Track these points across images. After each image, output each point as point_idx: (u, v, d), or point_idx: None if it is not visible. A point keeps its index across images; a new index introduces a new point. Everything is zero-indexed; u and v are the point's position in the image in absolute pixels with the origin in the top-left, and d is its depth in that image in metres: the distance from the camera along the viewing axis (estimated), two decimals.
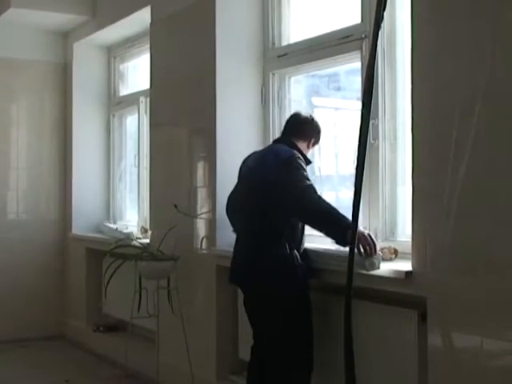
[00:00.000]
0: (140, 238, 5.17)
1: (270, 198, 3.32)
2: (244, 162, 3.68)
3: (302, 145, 3.53)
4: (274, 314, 3.32)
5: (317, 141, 3.63)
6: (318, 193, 3.26)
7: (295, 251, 3.33)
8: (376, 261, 3.10)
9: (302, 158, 3.39)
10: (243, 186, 3.58)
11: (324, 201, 3.22)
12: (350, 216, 3.07)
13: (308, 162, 3.50)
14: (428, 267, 2.88)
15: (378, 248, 3.14)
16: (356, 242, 3.06)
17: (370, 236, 3.14)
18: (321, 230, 3.29)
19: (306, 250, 3.46)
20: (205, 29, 4.34)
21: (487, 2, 2.65)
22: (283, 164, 3.32)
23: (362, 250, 3.09)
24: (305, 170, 3.32)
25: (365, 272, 3.10)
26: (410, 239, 3.03)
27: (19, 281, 6.15)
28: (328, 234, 3.26)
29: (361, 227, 3.18)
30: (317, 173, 4.16)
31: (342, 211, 3.37)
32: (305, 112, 3.69)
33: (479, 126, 2.65)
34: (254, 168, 3.52)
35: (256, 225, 3.40)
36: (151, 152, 5.11)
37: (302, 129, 3.58)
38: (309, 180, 3.28)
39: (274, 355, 3.37)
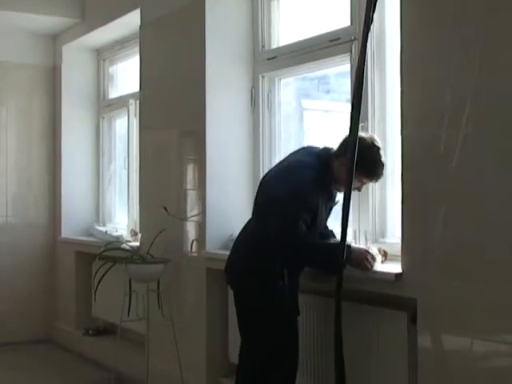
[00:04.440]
0: (130, 241, 5.16)
1: (270, 215, 3.21)
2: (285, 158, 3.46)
3: (336, 163, 3.18)
4: (251, 325, 3.29)
5: (356, 163, 2.95)
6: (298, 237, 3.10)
7: (285, 270, 3.14)
8: (376, 257, 3.13)
9: (307, 185, 3.11)
10: (259, 190, 3.42)
11: (307, 249, 3.13)
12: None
13: (324, 185, 3.19)
14: (418, 269, 2.89)
15: (373, 251, 3.14)
16: (358, 264, 3.08)
17: (366, 251, 3.14)
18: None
19: None
20: (194, 31, 4.34)
21: (475, 5, 2.66)
22: (275, 195, 3.17)
23: (369, 265, 3.09)
24: (295, 211, 3.08)
25: (359, 273, 3.10)
26: (399, 241, 3.04)
27: (8, 284, 6.12)
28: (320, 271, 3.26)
29: (352, 244, 3.23)
30: None
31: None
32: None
33: (468, 128, 2.66)
34: (268, 178, 3.38)
35: (256, 232, 3.30)
36: (141, 154, 5.09)
37: (342, 144, 3.19)
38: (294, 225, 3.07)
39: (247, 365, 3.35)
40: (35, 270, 6.27)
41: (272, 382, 3.25)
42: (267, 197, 3.29)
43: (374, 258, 3.11)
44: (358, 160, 2.97)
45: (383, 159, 3.14)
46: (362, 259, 3.09)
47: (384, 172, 3.19)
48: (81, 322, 5.97)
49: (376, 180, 3.22)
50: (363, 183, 3.20)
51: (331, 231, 3.47)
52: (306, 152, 3.37)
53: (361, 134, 3.09)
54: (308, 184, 3.14)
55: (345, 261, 2.98)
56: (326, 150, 3.29)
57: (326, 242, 3.30)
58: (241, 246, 3.41)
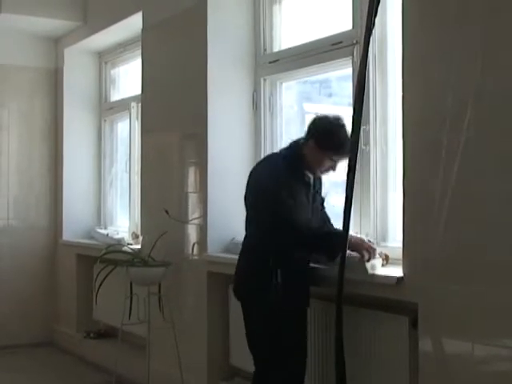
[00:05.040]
0: (131, 244, 5.16)
1: (257, 218, 3.29)
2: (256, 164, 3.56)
3: (306, 147, 3.26)
4: (257, 326, 3.29)
5: (321, 141, 3.18)
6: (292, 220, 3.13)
7: (278, 270, 3.14)
8: (376, 262, 3.13)
9: (280, 174, 3.18)
10: (246, 195, 3.44)
11: (302, 232, 3.15)
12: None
13: (297, 172, 3.25)
14: (419, 273, 2.88)
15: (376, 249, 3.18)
16: (355, 248, 3.12)
17: (369, 240, 3.23)
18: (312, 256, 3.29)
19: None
20: (196, 34, 4.34)
21: (477, 8, 2.66)
22: (256, 194, 3.26)
23: (367, 255, 3.11)
24: (278, 198, 3.12)
25: (360, 277, 3.10)
26: (401, 245, 3.03)
27: (9, 287, 6.11)
28: (320, 259, 3.27)
29: (352, 233, 3.19)
30: None
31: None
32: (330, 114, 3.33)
33: (469, 132, 2.65)
34: (248, 182, 3.42)
35: (249, 235, 3.37)
36: (142, 157, 5.10)
37: (307, 128, 3.31)
38: (281, 212, 3.13)
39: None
40: (36, 273, 6.27)
41: (277, 382, 3.23)
42: (251, 199, 3.33)
43: (371, 248, 3.14)
44: (324, 139, 3.17)
45: (349, 135, 3.15)
46: (360, 244, 3.14)
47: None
48: (82, 325, 5.96)
49: (346, 157, 3.15)
50: (334, 162, 3.25)
51: (325, 213, 3.48)
52: (277, 151, 3.48)
53: (325, 114, 3.26)
54: (279, 170, 3.21)
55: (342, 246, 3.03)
56: (295, 141, 3.37)
57: (320, 228, 3.33)
58: (242, 255, 3.43)
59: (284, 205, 3.13)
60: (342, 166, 3.23)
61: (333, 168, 3.29)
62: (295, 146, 3.33)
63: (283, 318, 3.20)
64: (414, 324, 2.94)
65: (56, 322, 6.32)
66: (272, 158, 3.47)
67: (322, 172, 3.33)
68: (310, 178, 3.31)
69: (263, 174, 3.31)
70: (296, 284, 3.23)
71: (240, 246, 3.95)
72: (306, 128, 3.33)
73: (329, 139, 3.18)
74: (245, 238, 3.43)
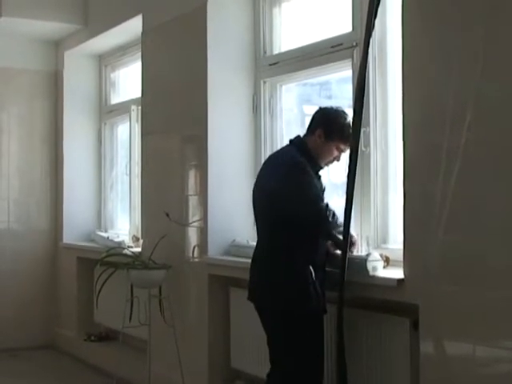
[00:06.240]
0: (131, 247, 5.16)
1: (277, 213, 3.16)
2: (263, 164, 3.48)
3: (310, 140, 3.27)
4: (282, 332, 3.14)
5: (329, 130, 3.22)
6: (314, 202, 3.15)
7: (310, 266, 3.08)
8: (378, 263, 3.13)
9: (301, 164, 3.15)
10: (257, 194, 3.36)
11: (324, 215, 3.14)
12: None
13: (315, 165, 3.23)
14: (420, 275, 2.88)
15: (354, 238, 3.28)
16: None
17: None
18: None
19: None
20: (196, 37, 4.34)
21: (478, 9, 2.66)
22: (281, 180, 3.15)
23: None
24: (303, 184, 3.13)
25: (360, 279, 3.10)
26: (401, 247, 3.03)
27: (10, 290, 6.11)
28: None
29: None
30: None
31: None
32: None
33: (470, 133, 2.66)
34: (261, 178, 3.35)
35: (268, 237, 3.24)
36: (143, 160, 5.10)
37: (310, 122, 3.33)
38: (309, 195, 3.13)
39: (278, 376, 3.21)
40: (37, 276, 6.27)
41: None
42: (271, 193, 3.21)
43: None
44: (332, 128, 3.22)
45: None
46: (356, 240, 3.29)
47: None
48: (83, 328, 5.96)
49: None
50: (341, 150, 3.28)
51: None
52: (282, 156, 3.38)
53: (329, 106, 3.35)
54: (299, 158, 3.19)
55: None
56: (296, 137, 3.37)
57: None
58: (263, 259, 3.27)
59: (316, 188, 3.17)
60: (343, 163, 3.27)
61: (337, 159, 3.32)
62: (299, 140, 3.32)
63: (315, 322, 3.13)
64: (414, 326, 2.94)
65: (57, 325, 6.32)
66: (284, 152, 3.34)
67: (327, 163, 3.32)
68: (320, 169, 3.30)
69: (285, 164, 3.20)
70: (323, 287, 3.16)
71: (241, 249, 3.97)
72: (311, 121, 3.34)
73: (338, 128, 3.24)
74: (263, 244, 3.27)
